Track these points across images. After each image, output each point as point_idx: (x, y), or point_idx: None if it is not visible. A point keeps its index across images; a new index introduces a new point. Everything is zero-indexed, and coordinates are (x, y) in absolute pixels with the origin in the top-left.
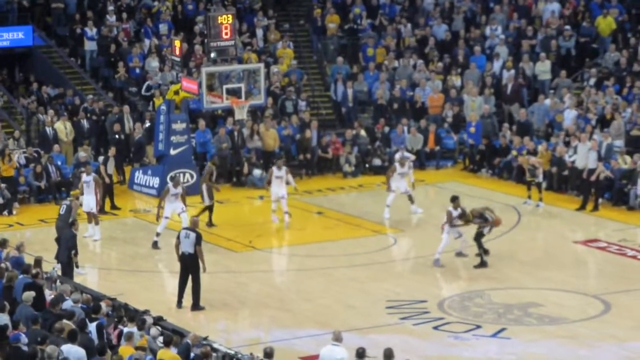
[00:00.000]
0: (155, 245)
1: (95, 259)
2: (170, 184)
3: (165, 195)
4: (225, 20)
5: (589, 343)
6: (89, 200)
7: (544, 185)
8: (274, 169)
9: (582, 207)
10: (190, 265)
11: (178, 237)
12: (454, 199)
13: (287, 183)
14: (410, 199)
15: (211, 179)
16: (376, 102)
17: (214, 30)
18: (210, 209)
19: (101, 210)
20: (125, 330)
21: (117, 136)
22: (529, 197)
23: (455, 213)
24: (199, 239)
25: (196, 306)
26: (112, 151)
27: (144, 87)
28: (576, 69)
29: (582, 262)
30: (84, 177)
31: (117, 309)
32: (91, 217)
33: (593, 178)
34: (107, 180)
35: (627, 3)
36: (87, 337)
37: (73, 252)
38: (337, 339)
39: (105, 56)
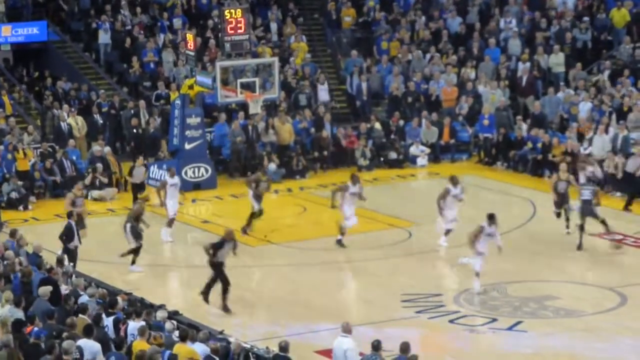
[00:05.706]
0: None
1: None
2: None
3: (345, 191)
4: (233, 14)
5: (606, 336)
6: (173, 204)
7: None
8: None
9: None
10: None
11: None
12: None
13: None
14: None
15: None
16: (390, 95)
17: (228, 25)
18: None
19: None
20: (136, 324)
21: (135, 131)
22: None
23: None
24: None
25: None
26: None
27: (154, 96)
28: (591, 61)
29: (599, 254)
30: (170, 180)
31: (133, 303)
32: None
33: None
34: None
35: None
36: (103, 331)
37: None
38: (346, 330)
39: (120, 51)
